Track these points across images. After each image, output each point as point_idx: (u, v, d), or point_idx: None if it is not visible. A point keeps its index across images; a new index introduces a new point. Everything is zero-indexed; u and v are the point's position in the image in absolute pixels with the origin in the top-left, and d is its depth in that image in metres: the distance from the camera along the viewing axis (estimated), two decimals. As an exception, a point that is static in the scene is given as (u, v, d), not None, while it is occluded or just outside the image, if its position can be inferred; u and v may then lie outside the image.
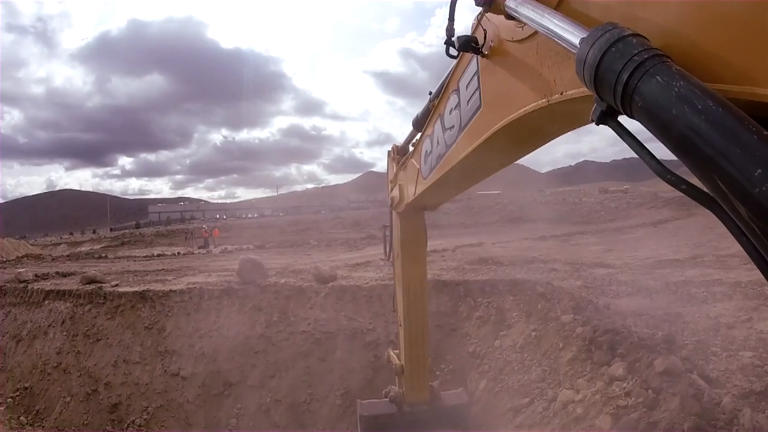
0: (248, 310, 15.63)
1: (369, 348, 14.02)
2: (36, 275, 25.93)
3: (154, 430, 14.71)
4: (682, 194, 1.47)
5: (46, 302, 20.41)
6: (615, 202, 55.69)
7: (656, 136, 1.51)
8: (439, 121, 4.77)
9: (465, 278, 14.30)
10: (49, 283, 23.07)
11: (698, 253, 19.19)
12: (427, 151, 5.44)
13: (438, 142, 4.91)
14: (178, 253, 43.84)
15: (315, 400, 13.61)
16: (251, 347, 14.80)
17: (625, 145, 1.64)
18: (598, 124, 1.78)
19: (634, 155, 1.62)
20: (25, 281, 24.03)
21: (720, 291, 12.69)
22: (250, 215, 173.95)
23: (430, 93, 5.08)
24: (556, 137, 3.40)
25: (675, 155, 1.45)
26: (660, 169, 1.55)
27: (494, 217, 58.40)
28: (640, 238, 27.66)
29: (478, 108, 3.53)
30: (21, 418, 16.60)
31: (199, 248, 51.09)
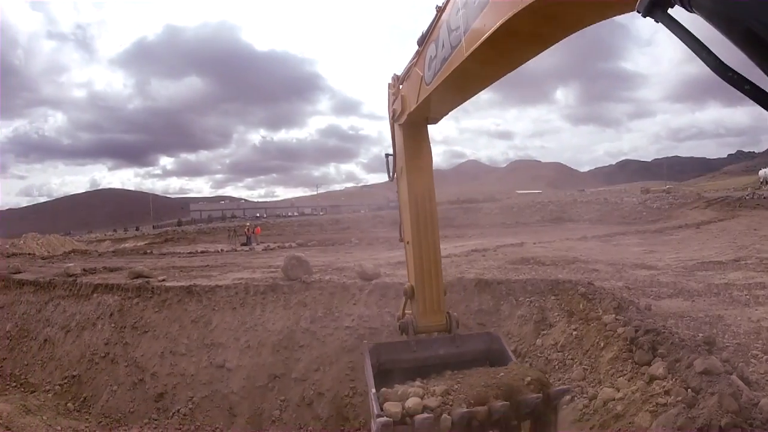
0: (293, 305, 15.86)
1: (412, 344, 14.07)
2: (84, 270, 26.45)
3: (199, 419, 14.91)
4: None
5: (95, 295, 20.83)
6: (657, 203, 54.75)
7: (720, 30, 1.34)
8: (445, 25, 4.83)
9: (507, 277, 14.30)
10: (97, 278, 23.55)
11: (741, 255, 18.98)
12: (431, 57, 5.50)
13: (443, 45, 4.97)
14: (222, 250, 44.31)
15: (358, 394, 13.68)
16: (296, 341, 14.98)
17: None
18: (645, 16, 1.63)
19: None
20: (73, 275, 24.50)
21: (763, 294, 12.59)
22: (289, 214, 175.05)
23: (438, 7, 5.15)
24: (561, 38, 3.45)
25: (741, 50, 1.30)
26: (719, 66, 1.39)
27: (535, 217, 57.87)
28: (682, 240, 27.29)
29: (486, 3, 3.60)
30: (68, 404, 16.93)
31: (241, 245, 51.63)
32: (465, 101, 6.18)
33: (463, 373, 7.08)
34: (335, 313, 15.28)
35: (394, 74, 7.26)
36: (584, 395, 8.88)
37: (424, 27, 5.72)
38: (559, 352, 10.39)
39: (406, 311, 7.93)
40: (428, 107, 6.34)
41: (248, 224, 72.36)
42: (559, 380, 9.77)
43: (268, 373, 14.90)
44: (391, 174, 7.97)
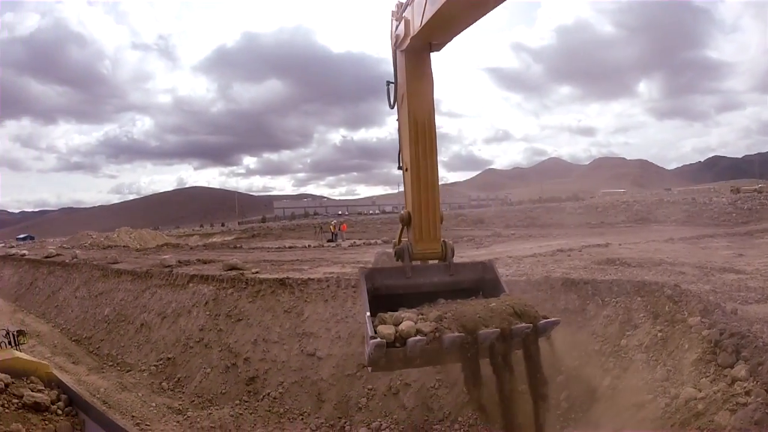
0: (383, 299, 16.21)
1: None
2: (179, 261, 28.20)
3: (288, 402, 15.59)
4: None
5: (191, 285, 22.14)
6: (748, 203, 51.89)
7: None
8: None
9: (593, 277, 14.27)
10: (191, 269, 24.94)
11: (837, 261, 18.38)
12: None
13: None
14: (309, 245, 45.31)
15: (443, 386, 13.94)
16: (385, 333, 15.33)
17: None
18: None
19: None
20: (169, 266, 26.33)
21: None
22: (371, 211, 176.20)
23: None
24: None
25: None
26: None
27: (620, 218, 56.19)
28: (774, 243, 26.41)
29: None
30: (162, 383, 18.06)
31: (327, 241, 52.66)
32: (469, 24, 6.27)
33: (456, 302, 7.50)
34: (424, 306, 15.56)
35: (398, 1, 7.45)
36: (666, 395, 9.00)
37: None
38: (643, 353, 10.39)
39: (402, 238, 8.13)
40: (432, 30, 6.50)
41: (334, 221, 73.52)
42: (642, 380, 9.89)
43: (357, 362, 15.33)
44: (391, 102, 8.07)
